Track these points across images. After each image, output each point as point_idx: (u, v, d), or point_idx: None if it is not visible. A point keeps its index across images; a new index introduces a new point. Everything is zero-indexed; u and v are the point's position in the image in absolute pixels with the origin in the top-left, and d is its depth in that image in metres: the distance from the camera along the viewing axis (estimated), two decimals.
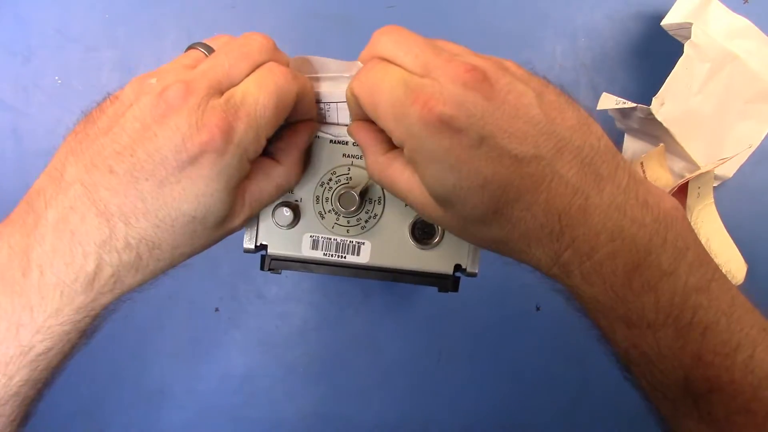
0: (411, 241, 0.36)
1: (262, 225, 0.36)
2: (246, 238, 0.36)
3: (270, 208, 0.35)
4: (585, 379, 0.57)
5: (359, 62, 0.32)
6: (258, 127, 0.29)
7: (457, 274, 0.36)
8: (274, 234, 0.36)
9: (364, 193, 0.35)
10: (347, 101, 0.32)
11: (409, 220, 0.36)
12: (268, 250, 0.36)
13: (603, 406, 0.57)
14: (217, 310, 0.57)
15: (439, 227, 0.35)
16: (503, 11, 0.58)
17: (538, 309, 0.57)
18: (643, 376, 0.30)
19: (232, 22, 0.58)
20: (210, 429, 0.57)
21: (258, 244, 0.36)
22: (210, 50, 0.32)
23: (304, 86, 0.32)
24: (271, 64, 0.31)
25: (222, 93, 0.29)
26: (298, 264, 0.36)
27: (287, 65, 0.32)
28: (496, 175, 0.27)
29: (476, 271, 0.36)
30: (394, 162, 0.31)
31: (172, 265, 0.31)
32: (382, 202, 0.36)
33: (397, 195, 0.32)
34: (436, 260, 0.36)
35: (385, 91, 0.28)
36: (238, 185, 0.30)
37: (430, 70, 0.28)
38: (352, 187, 0.34)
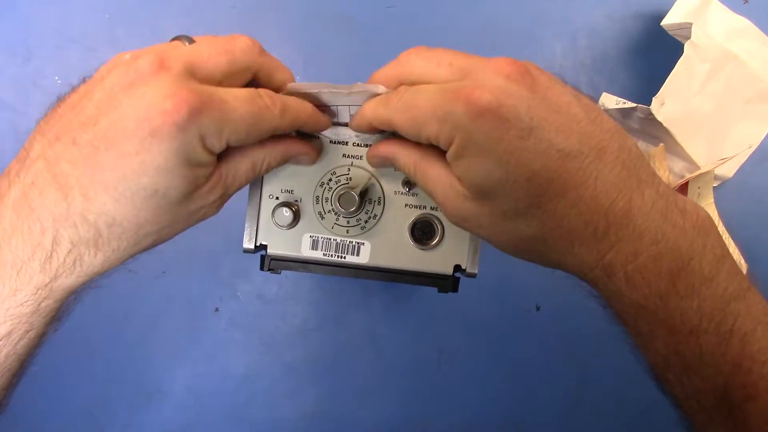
0: (411, 242, 0.36)
1: (262, 225, 0.36)
2: (245, 238, 0.36)
3: (270, 209, 0.35)
4: (585, 379, 0.57)
5: (359, 84, 0.32)
6: (224, 126, 0.28)
7: (457, 274, 0.36)
8: (274, 234, 0.36)
9: (364, 194, 0.35)
10: (359, 127, 0.32)
11: (409, 221, 0.36)
12: (268, 250, 0.36)
13: (603, 406, 0.57)
14: (217, 310, 0.57)
15: (440, 227, 0.35)
16: (503, 11, 0.58)
17: (538, 309, 0.57)
18: (680, 384, 0.30)
19: (232, 23, 0.58)
20: (210, 429, 0.57)
21: (258, 244, 0.36)
22: (192, 42, 0.31)
23: (295, 120, 0.31)
24: (264, 91, 0.30)
25: (197, 79, 0.28)
26: (297, 264, 0.36)
27: (276, 68, 0.32)
28: (543, 169, 0.27)
29: (476, 272, 0.36)
30: (427, 155, 0.30)
31: (139, 246, 0.30)
32: (382, 202, 0.36)
33: (426, 188, 0.31)
34: (435, 261, 0.36)
35: (423, 103, 0.28)
36: (202, 164, 0.28)
37: (469, 71, 0.28)
38: (352, 188, 0.34)
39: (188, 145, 0.27)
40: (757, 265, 0.55)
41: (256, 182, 0.36)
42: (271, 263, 0.36)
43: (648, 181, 0.28)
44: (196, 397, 0.57)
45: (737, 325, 0.28)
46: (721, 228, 0.55)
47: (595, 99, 0.52)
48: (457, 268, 0.36)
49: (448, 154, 0.28)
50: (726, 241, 0.54)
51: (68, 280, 0.29)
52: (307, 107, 0.32)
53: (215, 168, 0.30)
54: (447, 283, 0.36)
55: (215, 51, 0.29)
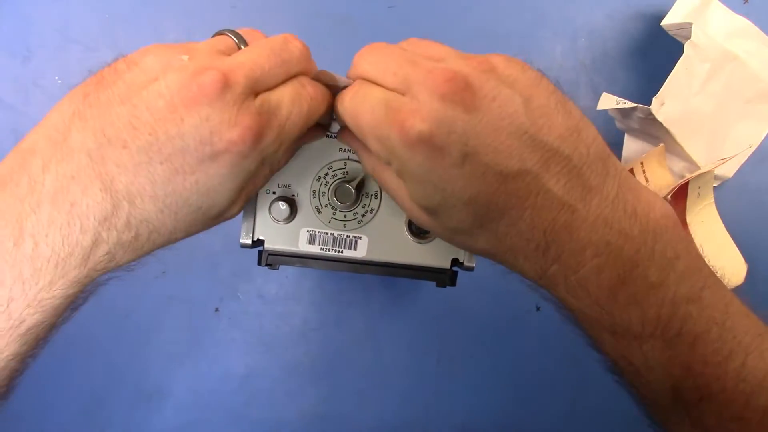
0: (408, 236, 0.35)
1: (258, 220, 0.36)
2: (243, 233, 0.36)
3: (267, 204, 0.35)
4: (584, 379, 0.57)
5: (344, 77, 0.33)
6: (283, 140, 0.29)
7: (455, 268, 0.36)
8: (271, 229, 0.36)
9: (361, 187, 0.35)
10: (335, 116, 0.33)
11: (406, 215, 0.36)
12: (265, 246, 0.36)
13: (602, 406, 0.57)
14: (217, 310, 0.57)
15: None
16: (503, 11, 0.58)
17: (538, 309, 0.57)
18: (632, 385, 0.30)
19: (232, 23, 0.58)
20: (210, 429, 0.57)
21: (255, 239, 0.36)
22: (242, 41, 0.30)
23: (330, 104, 0.32)
24: (305, 79, 0.30)
25: (256, 94, 0.28)
26: (295, 259, 0.36)
27: (315, 75, 0.32)
28: (480, 194, 0.27)
29: (473, 265, 0.36)
30: (386, 167, 0.31)
31: (164, 246, 0.31)
32: (378, 196, 0.35)
33: (387, 192, 0.32)
34: (433, 254, 0.36)
35: (366, 113, 0.28)
36: (248, 184, 0.30)
37: (410, 85, 0.27)
38: (349, 182, 0.34)
39: (247, 171, 0.28)
40: (757, 265, 0.55)
41: None
42: (268, 258, 0.36)
43: (596, 188, 0.27)
44: (196, 397, 0.57)
45: (686, 328, 0.28)
46: (721, 228, 0.55)
47: (595, 99, 0.52)
48: (455, 261, 0.36)
49: (393, 172, 0.29)
50: (726, 241, 0.54)
51: (98, 274, 0.29)
52: (329, 93, 0.32)
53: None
54: (445, 276, 0.36)
55: (274, 63, 0.29)
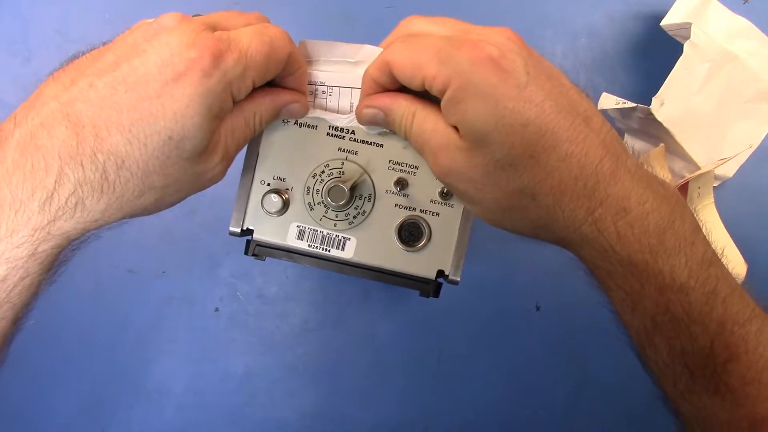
0: (397, 242, 0.35)
1: (250, 210, 0.36)
2: (233, 221, 0.36)
3: (260, 194, 0.35)
4: (584, 379, 0.57)
5: (368, 46, 0.33)
6: (247, 65, 0.29)
7: (440, 279, 0.36)
8: (262, 220, 0.36)
9: (354, 189, 0.35)
10: (363, 80, 0.33)
11: (397, 221, 0.35)
12: (254, 236, 0.36)
13: (602, 406, 0.57)
14: (217, 310, 0.57)
15: (427, 231, 0.35)
16: (503, 11, 0.58)
17: (538, 309, 0.57)
18: (667, 346, 0.30)
19: None
20: (210, 429, 0.57)
21: (244, 228, 0.36)
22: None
23: (297, 53, 0.32)
24: (267, 23, 0.32)
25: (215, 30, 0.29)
26: (282, 252, 0.36)
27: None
28: (537, 118, 0.28)
29: (458, 279, 0.35)
30: (424, 106, 0.31)
31: (143, 200, 0.29)
32: (372, 199, 0.35)
33: (420, 139, 0.31)
34: (419, 263, 0.36)
35: (426, 44, 0.29)
36: (218, 117, 0.29)
37: (471, 30, 0.30)
38: (344, 182, 0.34)
39: (213, 92, 0.27)
40: (757, 265, 0.55)
41: (248, 166, 0.36)
42: (255, 249, 0.36)
43: (627, 153, 0.30)
44: (196, 397, 0.57)
45: (719, 287, 0.29)
46: (721, 228, 0.55)
47: (595, 99, 0.52)
48: (440, 273, 0.36)
49: (445, 99, 0.29)
50: (726, 241, 0.54)
51: (67, 224, 0.27)
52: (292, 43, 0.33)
53: (219, 128, 0.30)
54: (428, 287, 0.36)
55: (231, 16, 0.31)
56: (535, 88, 0.28)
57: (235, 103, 0.30)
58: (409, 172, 0.35)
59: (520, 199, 0.30)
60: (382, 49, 0.32)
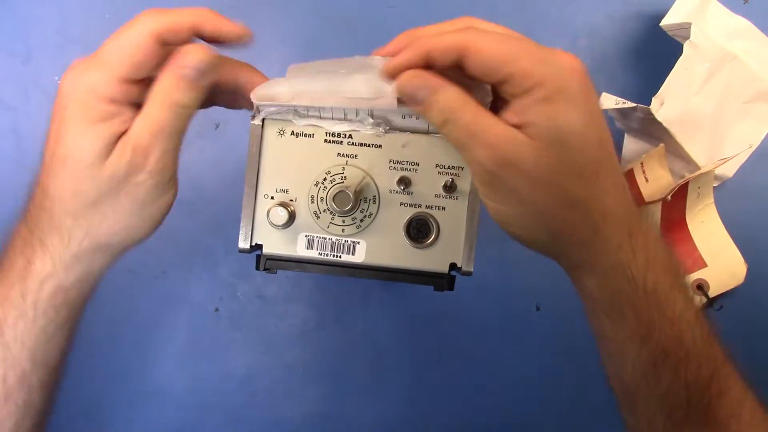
0: (406, 240, 0.36)
1: (257, 225, 0.36)
2: (241, 238, 0.36)
3: (265, 209, 0.35)
4: (584, 379, 0.57)
5: (357, 56, 0.33)
6: (105, 66, 0.32)
7: (453, 272, 0.36)
8: (269, 234, 0.36)
9: (359, 193, 0.35)
10: (411, 51, 0.30)
11: (404, 219, 0.35)
12: (263, 250, 0.36)
13: (602, 406, 0.57)
14: (217, 310, 0.57)
15: (435, 226, 0.35)
16: (503, 11, 0.58)
17: (538, 309, 0.57)
18: (674, 374, 0.32)
19: None
20: (210, 429, 0.57)
21: (253, 243, 0.36)
22: None
23: (174, 22, 0.32)
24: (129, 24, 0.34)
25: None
26: (293, 264, 0.36)
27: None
28: (607, 141, 0.30)
29: (471, 270, 0.36)
30: (474, 99, 0.30)
31: (93, 222, 0.32)
32: (377, 201, 0.35)
33: (468, 129, 0.29)
34: (431, 259, 0.36)
35: (523, 41, 0.29)
36: (100, 120, 0.31)
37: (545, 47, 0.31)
38: (347, 187, 0.34)
39: (80, 103, 0.31)
40: (757, 265, 0.55)
41: (250, 182, 0.36)
42: (266, 263, 0.36)
43: None
44: (196, 397, 0.57)
45: (713, 327, 0.32)
46: (721, 228, 0.55)
47: None
48: (453, 266, 0.36)
49: (531, 98, 0.28)
50: (726, 241, 0.54)
51: (45, 269, 0.33)
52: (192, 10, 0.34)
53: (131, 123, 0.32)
54: (443, 281, 0.36)
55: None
56: (599, 106, 0.31)
57: (117, 101, 0.31)
58: (410, 170, 0.36)
59: (572, 210, 0.30)
60: (378, 57, 0.32)
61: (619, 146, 0.56)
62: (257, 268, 0.36)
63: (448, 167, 0.36)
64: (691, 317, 0.31)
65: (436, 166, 0.36)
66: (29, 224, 0.33)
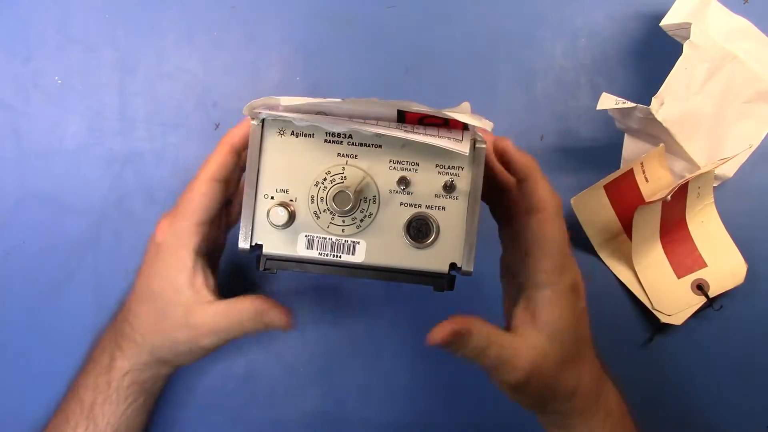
0: (406, 240, 0.36)
1: (257, 225, 0.36)
2: (241, 237, 0.36)
3: (265, 209, 0.35)
4: None
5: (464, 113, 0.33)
6: (188, 214, 0.39)
7: (453, 272, 0.36)
8: (269, 234, 0.36)
9: (359, 193, 0.35)
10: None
11: (404, 219, 0.35)
12: (264, 250, 0.36)
13: None
14: None
15: (435, 226, 0.35)
16: (503, 11, 0.58)
17: None
18: None
19: (232, 23, 0.58)
20: (210, 429, 0.57)
21: (253, 243, 0.36)
22: None
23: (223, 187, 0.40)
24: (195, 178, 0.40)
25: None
26: (293, 264, 0.36)
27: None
28: (587, 334, 0.42)
29: (471, 270, 0.36)
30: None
31: (162, 353, 0.43)
32: (377, 201, 0.35)
33: (507, 353, 0.38)
34: (431, 259, 0.36)
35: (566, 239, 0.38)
36: (190, 267, 0.39)
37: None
38: (347, 187, 0.34)
39: (171, 250, 0.41)
40: (757, 265, 0.55)
41: (250, 181, 0.36)
42: (266, 263, 0.36)
43: None
44: (196, 397, 0.56)
45: None
46: (721, 228, 0.55)
47: (595, 99, 0.52)
48: (453, 266, 0.36)
49: (544, 290, 0.38)
50: (726, 241, 0.54)
51: (125, 382, 0.44)
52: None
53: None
54: (442, 281, 0.36)
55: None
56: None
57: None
58: (411, 170, 0.35)
59: (559, 394, 0.41)
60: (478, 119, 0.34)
61: (619, 146, 0.56)
62: (258, 269, 0.36)
63: (448, 167, 0.36)
64: None
65: (436, 165, 0.36)
66: (115, 329, 0.45)
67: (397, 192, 0.36)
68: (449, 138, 0.33)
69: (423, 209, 0.36)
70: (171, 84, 0.57)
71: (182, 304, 0.40)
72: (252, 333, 0.42)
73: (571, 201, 0.52)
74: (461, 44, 0.58)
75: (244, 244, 0.36)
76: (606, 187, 0.53)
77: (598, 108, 0.51)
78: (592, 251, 0.57)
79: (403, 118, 0.33)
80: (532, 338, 0.37)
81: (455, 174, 0.36)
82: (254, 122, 0.36)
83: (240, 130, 0.38)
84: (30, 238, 0.55)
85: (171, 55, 0.57)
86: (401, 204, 0.36)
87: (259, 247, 0.36)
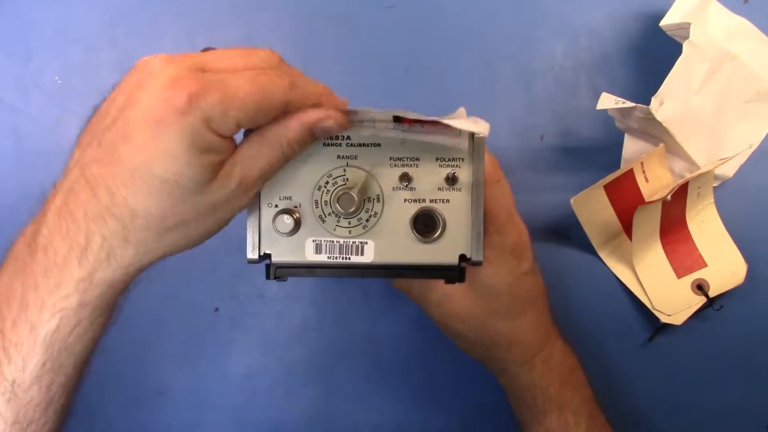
0: (414, 236, 0.35)
1: (263, 234, 0.36)
2: (249, 248, 0.36)
3: (270, 217, 0.35)
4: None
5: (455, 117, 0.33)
6: (229, 105, 0.28)
7: (463, 264, 0.36)
8: (277, 242, 0.36)
9: (362, 193, 0.35)
10: None
11: (410, 215, 0.35)
12: (272, 259, 0.36)
13: (602, 406, 0.57)
14: (217, 310, 0.57)
15: (441, 219, 0.36)
16: (503, 11, 0.58)
17: None
18: None
19: (232, 22, 0.58)
20: (210, 429, 0.57)
21: (261, 253, 0.36)
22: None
23: (299, 97, 0.31)
24: (268, 69, 0.31)
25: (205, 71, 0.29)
26: (303, 269, 0.36)
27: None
28: (533, 291, 0.47)
29: (481, 259, 0.36)
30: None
31: (166, 239, 0.31)
32: (381, 199, 0.35)
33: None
34: (440, 252, 0.36)
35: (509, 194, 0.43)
36: (209, 150, 0.29)
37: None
38: (350, 188, 0.34)
39: (192, 130, 0.28)
40: (757, 265, 0.55)
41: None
42: (276, 271, 0.36)
43: None
44: (196, 397, 0.57)
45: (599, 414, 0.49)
46: (721, 228, 0.55)
47: (595, 99, 0.52)
48: (462, 257, 0.36)
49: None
50: (726, 241, 0.54)
51: (105, 273, 0.30)
52: (319, 86, 0.32)
53: (229, 154, 0.31)
54: (454, 273, 0.36)
55: (231, 55, 0.31)
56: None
57: (227, 137, 0.30)
58: (411, 165, 0.35)
59: (495, 341, 0.46)
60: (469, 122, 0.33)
61: (619, 146, 0.56)
62: (267, 278, 0.36)
63: (449, 159, 0.35)
64: (577, 407, 0.46)
65: (437, 159, 0.35)
66: (75, 221, 0.30)
67: (400, 189, 0.35)
68: (447, 134, 0.33)
69: (427, 203, 0.36)
70: None
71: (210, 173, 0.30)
72: (298, 152, 0.33)
73: (571, 201, 0.52)
74: (461, 44, 0.58)
75: (252, 254, 0.36)
76: (606, 187, 0.53)
77: (598, 108, 0.51)
78: (592, 251, 0.57)
79: (399, 118, 0.33)
80: (463, 286, 0.43)
81: (456, 166, 0.35)
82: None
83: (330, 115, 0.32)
84: None
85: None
86: (405, 200, 0.36)
87: (268, 256, 0.36)
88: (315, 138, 0.33)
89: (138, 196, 0.29)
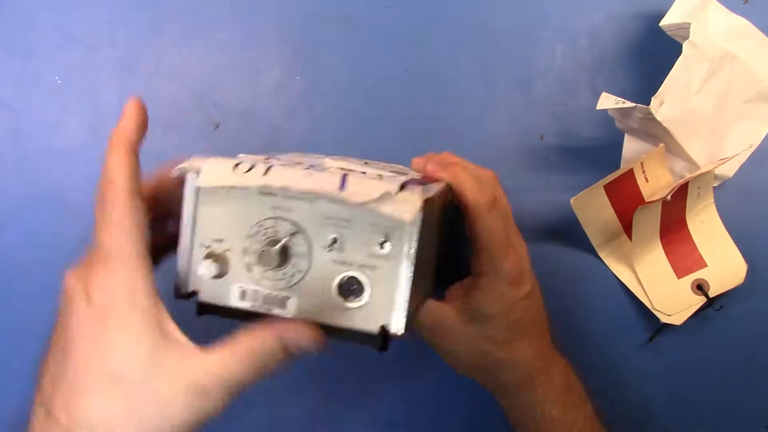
0: (338, 298, 0.34)
1: (191, 272, 0.36)
2: (178, 284, 0.36)
3: (200, 258, 0.35)
4: (584, 380, 0.57)
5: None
6: (126, 258, 0.32)
7: (384, 334, 0.34)
8: (204, 283, 0.36)
9: (286, 250, 0.34)
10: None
11: (337, 277, 0.34)
12: (199, 298, 0.36)
13: (602, 406, 0.57)
14: None
15: (368, 285, 0.34)
16: (503, 11, 0.58)
17: None
18: None
19: (231, 22, 0.58)
20: (210, 429, 0.57)
21: (189, 290, 0.36)
22: None
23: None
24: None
25: None
26: (228, 311, 0.36)
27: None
28: (526, 316, 0.45)
29: (399, 333, 0.34)
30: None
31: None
32: (308, 258, 0.34)
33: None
34: (363, 319, 0.34)
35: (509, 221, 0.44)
36: (158, 328, 0.34)
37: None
38: (274, 244, 0.33)
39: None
40: (757, 265, 0.55)
41: (186, 230, 0.36)
42: (203, 309, 0.36)
43: None
44: None
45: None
46: (721, 228, 0.55)
47: (595, 99, 0.52)
48: (383, 329, 0.34)
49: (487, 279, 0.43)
50: (726, 241, 0.54)
51: None
52: None
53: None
54: (376, 342, 0.34)
55: None
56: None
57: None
58: (344, 227, 0.34)
59: (490, 365, 0.46)
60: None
61: (619, 146, 0.56)
62: (197, 314, 0.36)
63: (383, 227, 0.33)
64: (581, 428, 0.46)
65: (371, 224, 0.33)
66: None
67: (329, 249, 0.34)
68: (382, 204, 0.31)
69: (356, 268, 0.34)
70: (171, 84, 0.57)
71: (169, 372, 0.33)
72: (274, 371, 0.35)
73: (571, 201, 0.52)
74: (461, 44, 0.58)
75: (182, 290, 0.36)
76: (606, 187, 0.53)
77: (598, 108, 0.51)
78: (592, 251, 0.57)
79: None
80: (456, 309, 0.44)
81: (390, 234, 0.33)
82: (190, 174, 0.35)
83: (127, 124, 0.33)
84: (30, 238, 0.55)
85: (171, 55, 0.57)
86: (333, 261, 0.34)
87: (195, 293, 0.36)
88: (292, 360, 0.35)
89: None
